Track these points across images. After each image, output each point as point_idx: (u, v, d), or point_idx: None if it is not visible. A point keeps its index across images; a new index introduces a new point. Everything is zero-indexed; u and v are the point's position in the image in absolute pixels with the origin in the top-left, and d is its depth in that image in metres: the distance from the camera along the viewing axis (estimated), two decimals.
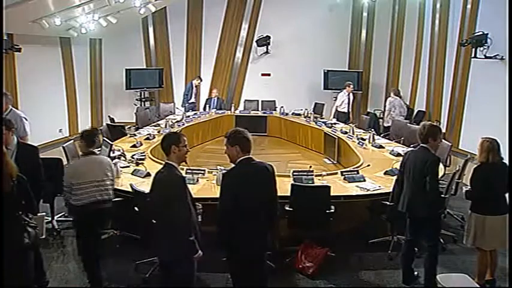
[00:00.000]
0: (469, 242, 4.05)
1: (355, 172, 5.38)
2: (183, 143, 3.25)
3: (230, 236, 3.14)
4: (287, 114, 10.29)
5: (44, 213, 3.59)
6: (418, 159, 3.98)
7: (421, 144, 4.03)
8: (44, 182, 4.04)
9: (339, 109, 10.30)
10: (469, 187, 4.02)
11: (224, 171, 4.89)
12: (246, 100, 11.73)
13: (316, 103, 11.12)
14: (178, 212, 3.08)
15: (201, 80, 11.46)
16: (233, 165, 3.26)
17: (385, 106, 10.18)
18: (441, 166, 4.93)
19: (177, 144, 3.22)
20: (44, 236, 3.67)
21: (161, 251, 3.27)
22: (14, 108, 6.46)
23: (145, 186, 4.40)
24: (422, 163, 3.92)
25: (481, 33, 7.61)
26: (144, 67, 12.15)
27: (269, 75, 12.33)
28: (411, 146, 7.05)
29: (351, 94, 10.25)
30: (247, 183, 3.16)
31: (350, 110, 10.35)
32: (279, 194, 4.49)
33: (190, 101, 11.10)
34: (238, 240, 3.14)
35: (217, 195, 4.48)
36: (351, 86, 10.27)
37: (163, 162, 3.32)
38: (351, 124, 8.74)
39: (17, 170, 3.16)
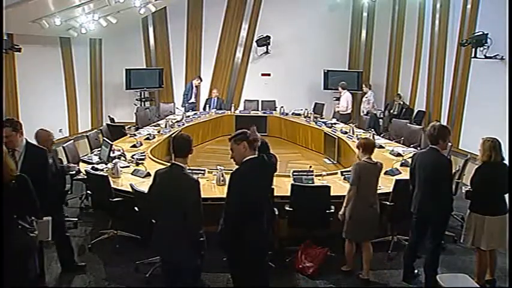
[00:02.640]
0: (468, 242, 4.04)
1: None
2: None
3: (235, 235, 3.12)
4: (287, 114, 10.28)
5: (49, 217, 3.57)
6: (430, 162, 3.93)
7: (431, 146, 3.97)
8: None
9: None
10: (469, 187, 4.01)
11: (224, 170, 4.92)
12: (246, 100, 11.72)
13: (316, 103, 11.11)
14: (195, 213, 3.11)
15: (201, 80, 11.46)
16: (237, 166, 3.24)
17: (361, 101, 10.80)
18: None
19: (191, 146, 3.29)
20: (50, 239, 3.67)
21: (171, 251, 3.24)
22: None
23: (145, 186, 4.39)
24: (435, 165, 3.89)
25: (481, 33, 7.62)
26: (144, 67, 12.16)
27: (269, 75, 12.33)
28: (411, 145, 7.08)
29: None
30: (255, 182, 3.13)
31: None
32: (279, 194, 4.55)
33: (190, 101, 11.10)
34: (244, 240, 3.11)
35: (217, 195, 4.55)
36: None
37: (163, 162, 3.33)
38: (351, 124, 8.76)
39: (16, 171, 3.14)
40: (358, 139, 7.29)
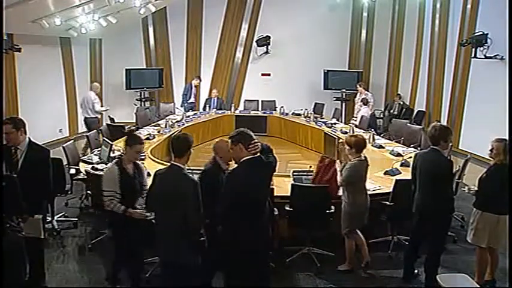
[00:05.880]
0: (483, 243, 3.95)
1: None
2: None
3: (232, 235, 3.11)
4: (287, 114, 10.29)
5: (40, 216, 3.57)
6: (431, 163, 3.93)
7: (432, 147, 3.97)
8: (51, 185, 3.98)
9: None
10: (473, 187, 3.98)
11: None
12: (246, 100, 11.73)
13: (316, 103, 11.11)
14: (195, 214, 3.11)
15: (200, 80, 11.46)
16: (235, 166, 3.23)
17: (354, 102, 10.46)
18: None
19: (192, 147, 3.27)
20: (43, 237, 3.67)
21: (171, 251, 3.24)
22: (90, 92, 9.07)
23: None
24: (436, 166, 3.89)
25: (481, 33, 7.63)
26: (144, 67, 12.16)
27: (269, 75, 12.33)
28: (411, 146, 7.08)
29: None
30: (250, 182, 3.12)
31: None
32: (279, 194, 4.54)
33: (189, 101, 11.09)
34: (242, 240, 3.10)
35: None
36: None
37: (163, 162, 3.32)
38: (350, 124, 8.75)
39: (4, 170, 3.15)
40: None
